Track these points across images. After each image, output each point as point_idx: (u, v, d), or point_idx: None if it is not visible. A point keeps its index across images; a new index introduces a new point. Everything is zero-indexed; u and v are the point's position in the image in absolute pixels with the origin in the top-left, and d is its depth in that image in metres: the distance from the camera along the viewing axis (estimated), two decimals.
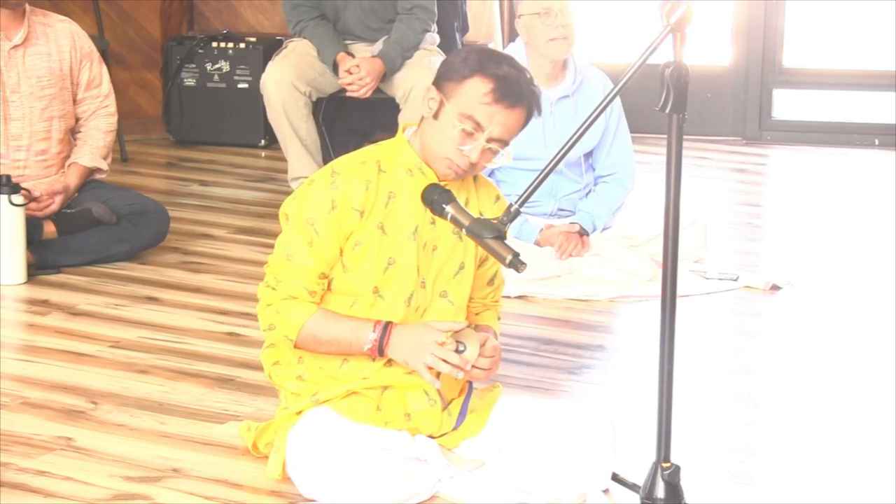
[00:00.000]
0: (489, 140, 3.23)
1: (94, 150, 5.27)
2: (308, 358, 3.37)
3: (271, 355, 3.43)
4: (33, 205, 5.07)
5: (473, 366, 3.25)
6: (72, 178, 5.22)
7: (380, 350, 3.27)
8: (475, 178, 3.42)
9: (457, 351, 3.22)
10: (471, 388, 3.43)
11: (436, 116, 3.27)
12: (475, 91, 3.21)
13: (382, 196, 3.29)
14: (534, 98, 3.27)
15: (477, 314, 3.52)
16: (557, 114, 5.10)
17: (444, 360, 3.20)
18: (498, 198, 3.46)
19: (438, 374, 3.27)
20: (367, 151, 3.37)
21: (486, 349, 3.27)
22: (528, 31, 5.06)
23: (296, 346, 3.35)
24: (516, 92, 3.22)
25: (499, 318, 3.59)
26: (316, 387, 3.36)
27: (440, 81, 3.28)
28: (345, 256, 3.30)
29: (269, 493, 3.33)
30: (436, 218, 3.29)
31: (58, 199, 5.16)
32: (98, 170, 5.30)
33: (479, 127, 3.22)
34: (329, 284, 3.34)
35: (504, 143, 3.27)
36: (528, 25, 5.05)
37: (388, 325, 3.27)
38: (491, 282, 3.51)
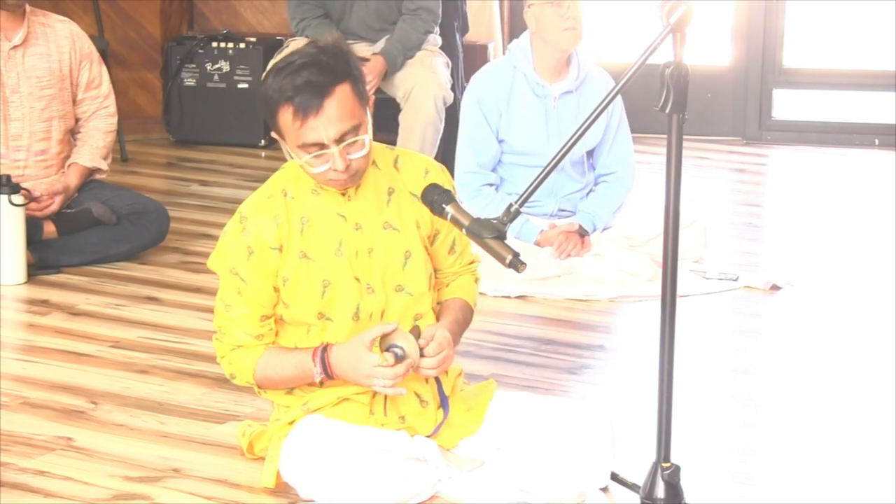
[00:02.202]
0: (338, 143, 3.15)
1: (94, 150, 5.27)
2: None
3: None
4: (33, 205, 5.07)
5: (422, 367, 3.22)
6: (72, 179, 5.22)
7: (329, 378, 3.27)
8: (395, 160, 3.36)
9: (396, 357, 3.19)
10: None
11: (290, 156, 3.24)
12: (286, 124, 3.14)
13: (295, 224, 3.26)
14: (340, 69, 3.12)
15: (448, 285, 3.48)
16: (561, 109, 5.09)
17: (393, 379, 3.17)
18: (427, 171, 3.36)
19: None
20: (273, 181, 3.33)
21: (430, 348, 3.22)
22: (537, 21, 5.03)
23: (261, 389, 3.37)
24: (315, 94, 3.10)
25: (477, 280, 3.54)
26: (305, 397, 3.36)
27: (269, 124, 3.22)
28: (281, 293, 3.29)
29: (269, 493, 3.33)
30: (360, 222, 3.28)
31: (58, 200, 5.16)
32: (98, 170, 5.30)
33: (319, 146, 3.14)
34: (281, 318, 3.34)
35: (353, 129, 3.15)
36: (538, 15, 5.02)
37: (324, 356, 3.25)
38: (452, 250, 3.44)
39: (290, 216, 3.26)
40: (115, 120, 5.40)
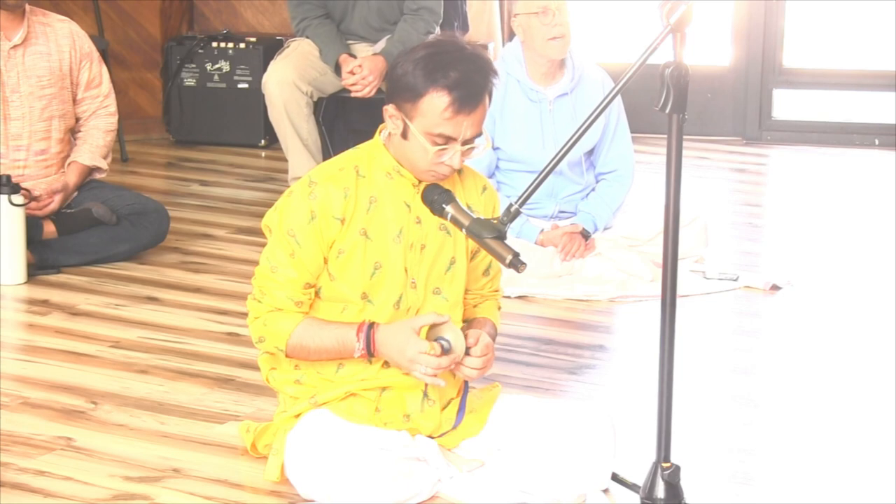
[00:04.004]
0: (464, 143, 3.20)
1: (93, 149, 5.27)
2: (304, 363, 3.37)
3: (268, 360, 3.43)
4: (33, 204, 5.07)
5: (465, 365, 3.24)
6: (71, 177, 5.22)
7: (370, 355, 3.27)
8: (460, 170, 3.37)
9: (443, 350, 3.20)
10: (467, 386, 3.43)
11: (404, 136, 3.23)
12: (434, 109, 3.15)
13: (363, 201, 3.27)
14: (491, 81, 3.20)
15: (475, 306, 3.50)
16: (556, 112, 5.09)
17: (436, 369, 3.18)
18: (485, 188, 3.42)
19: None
20: (346, 157, 3.35)
21: (477, 348, 3.24)
22: (524, 31, 5.04)
23: (287, 356, 3.36)
24: (474, 93, 3.16)
25: (499, 308, 3.57)
26: (314, 390, 3.36)
27: (396, 99, 3.22)
28: (330, 265, 3.29)
29: (269, 493, 3.34)
30: (421, 216, 3.29)
31: (57, 198, 5.16)
32: (98, 169, 5.30)
33: (450, 140, 3.18)
34: (318, 292, 3.33)
35: (477, 135, 3.22)
36: (524, 25, 5.03)
37: (370, 332, 3.25)
38: (486, 272, 3.48)
39: (358, 192, 3.27)
40: (115, 119, 5.40)
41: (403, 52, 3.27)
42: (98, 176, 5.34)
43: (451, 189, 3.32)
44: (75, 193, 5.25)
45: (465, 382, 3.42)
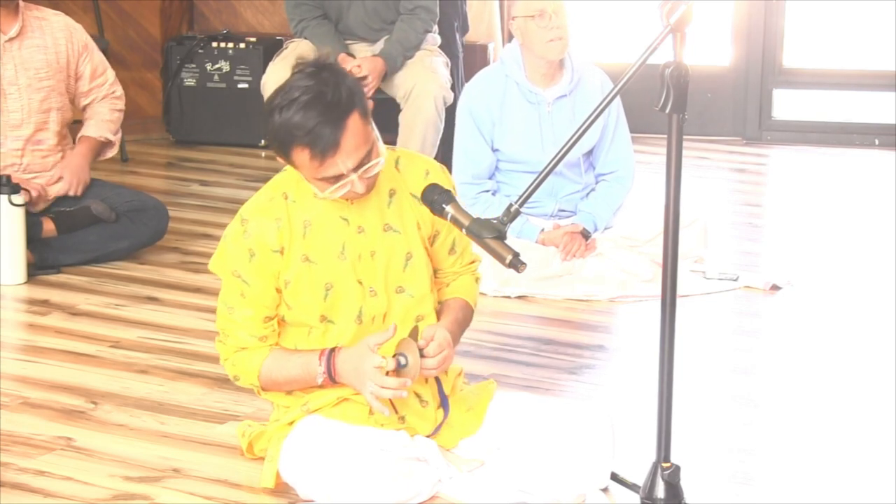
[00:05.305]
0: (356, 170, 3.15)
1: (101, 122, 5.32)
2: None
3: None
4: (63, 185, 5.12)
5: (423, 367, 3.22)
6: (80, 150, 5.24)
7: (332, 381, 3.28)
8: (396, 161, 3.35)
9: (398, 365, 3.20)
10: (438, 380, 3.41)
11: (305, 179, 3.22)
12: (302, 162, 3.13)
13: (297, 228, 3.26)
14: (353, 100, 3.10)
15: (448, 285, 3.48)
16: (555, 114, 5.08)
17: (385, 387, 3.17)
18: (428, 172, 3.35)
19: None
20: (274, 184, 3.33)
21: (430, 348, 3.23)
22: (522, 34, 5.04)
23: (264, 390, 3.38)
24: (332, 132, 3.07)
25: (477, 280, 3.54)
26: (305, 397, 3.36)
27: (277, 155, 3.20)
28: (283, 295, 3.30)
29: (269, 492, 3.34)
30: (362, 225, 3.28)
31: (67, 177, 5.19)
32: (109, 143, 5.31)
33: (338, 177, 3.14)
34: (283, 319, 3.34)
35: (368, 154, 3.14)
36: (522, 28, 5.02)
37: (331, 357, 3.26)
38: (452, 250, 3.45)
39: (291, 219, 3.26)
40: (123, 101, 5.43)
41: (267, 101, 3.18)
42: (108, 154, 5.37)
43: (392, 183, 3.31)
44: (88, 181, 5.24)
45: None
